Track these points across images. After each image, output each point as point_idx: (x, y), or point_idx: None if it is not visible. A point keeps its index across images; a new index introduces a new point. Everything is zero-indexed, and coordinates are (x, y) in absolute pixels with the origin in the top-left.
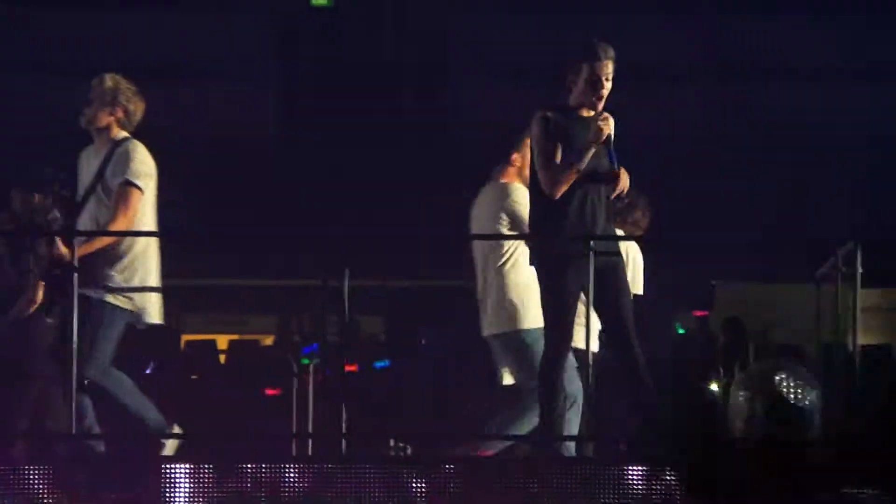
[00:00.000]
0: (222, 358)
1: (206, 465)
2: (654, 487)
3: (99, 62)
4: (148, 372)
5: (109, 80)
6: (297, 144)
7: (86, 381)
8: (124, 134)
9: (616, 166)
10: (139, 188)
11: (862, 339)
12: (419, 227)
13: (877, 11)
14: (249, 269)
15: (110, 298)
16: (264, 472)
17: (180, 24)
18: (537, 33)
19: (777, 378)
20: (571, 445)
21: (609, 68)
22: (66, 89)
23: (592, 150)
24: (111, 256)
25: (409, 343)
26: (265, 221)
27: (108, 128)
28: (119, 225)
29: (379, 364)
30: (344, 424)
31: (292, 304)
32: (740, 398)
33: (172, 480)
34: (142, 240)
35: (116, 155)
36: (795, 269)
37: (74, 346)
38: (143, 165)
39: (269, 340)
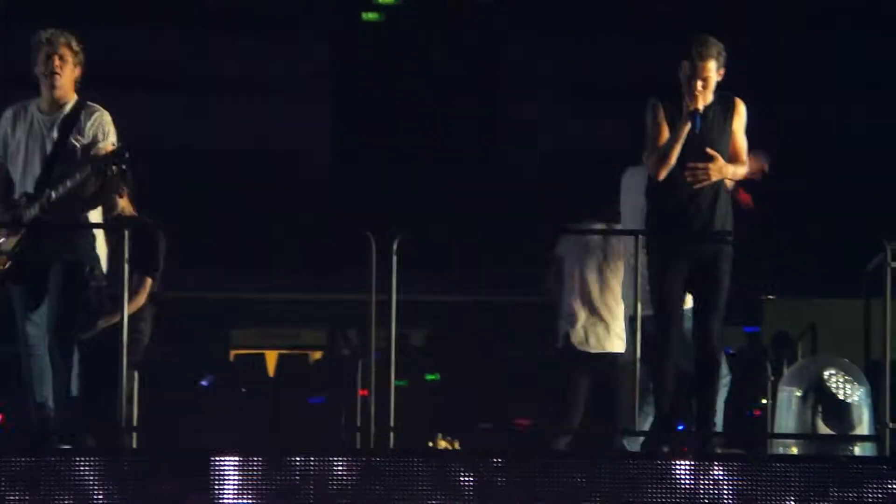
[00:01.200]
0: (271, 371)
1: (255, 458)
2: (701, 483)
3: (161, 77)
4: (205, 384)
5: (74, 38)
6: (354, 158)
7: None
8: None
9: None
10: None
11: None
12: (474, 242)
13: None
14: (299, 283)
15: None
16: (312, 465)
17: (240, 41)
18: (589, 49)
19: (826, 374)
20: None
21: (708, 70)
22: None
23: (686, 129)
24: (87, 221)
25: (459, 356)
26: (321, 234)
27: (68, 87)
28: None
29: (429, 377)
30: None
31: (341, 319)
32: (788, 394)
33: (221, 472)
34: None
35: (95, 118)
36: (846, 282)
37: (125, 329)
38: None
39: (317, 354)
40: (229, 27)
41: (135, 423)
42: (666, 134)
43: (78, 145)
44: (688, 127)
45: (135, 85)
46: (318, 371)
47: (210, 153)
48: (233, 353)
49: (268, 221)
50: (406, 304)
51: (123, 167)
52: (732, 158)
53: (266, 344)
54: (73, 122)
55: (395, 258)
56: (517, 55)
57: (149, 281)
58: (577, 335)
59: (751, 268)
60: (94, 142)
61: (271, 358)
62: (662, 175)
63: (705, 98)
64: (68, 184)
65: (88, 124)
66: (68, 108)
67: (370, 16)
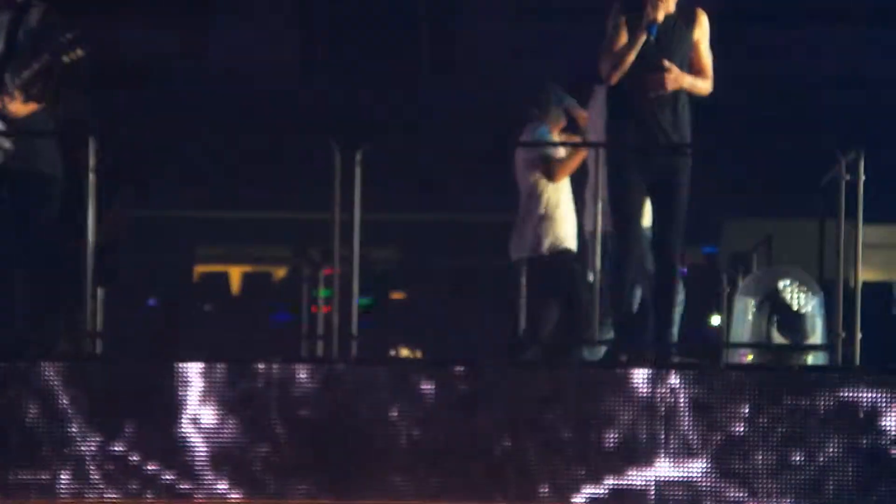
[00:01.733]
0: (235, 289)
1: (218, 364)
2: (658, 392)
3: None
4: (151, 304)
5: None
6: (320, 72)
7: None
8: None
9: (652, 38)
10: None
11: (864, 277)
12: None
13: None
14: (262, 201)
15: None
16: (275, 372)
17: None
18: None
19: (780, 284)
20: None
21: None
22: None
23: (642, 39)
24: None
25: (422, 274)
26: (286, 153)
27: None
28: None
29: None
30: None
31: (305, 237)
32: (743, 304)
33: (185, 378)
34: None
35: (43, 11)
36: (804, 204)
37: (90, 238)
38: None
39: (282, 272)
40: None
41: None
42: (623, 41)
43: (30, 39)
44: (644, 36)
45: None
46: (281, 289)
47: (172, 66)
48: (197, 270)
49: (233, 137)
50: (372, 220)
51: (81, 53)
52: (695, 71)
53: (231, 261)
54: (20, 19)
55: (358, 169)
56: None
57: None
58: (525, 242)
59: (710, 184)
60: (46, 34)
61: (235, 275)
62: (614, 80)
63: (666, 5)
64: (25, 74)
65: (37, 19)
66: (13, 5)
67: None
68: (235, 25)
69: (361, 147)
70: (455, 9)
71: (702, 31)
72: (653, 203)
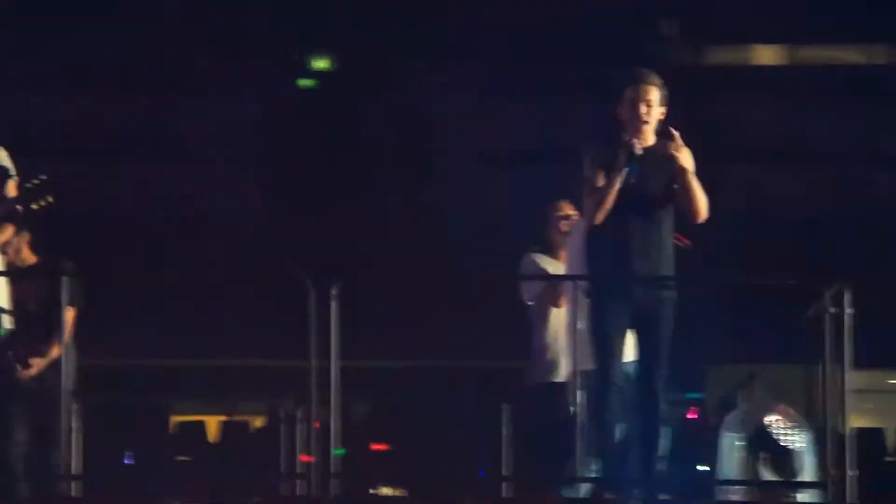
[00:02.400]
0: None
1: None
2: None
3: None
4: (126, 462)
5: None
6: (290, 222)
7: None
8: None
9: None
10: None
11: (853, 423)
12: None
13: None
14: (240, 348)
15: None
16: None
17: (179, 104)
18: (523, 116)
19: (767, 420)
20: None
21: (651, 94)
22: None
23: (621, 175)
24: None
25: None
26: (262, 294)
27: None
28: None
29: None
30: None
31: (282, 385)
32: (730, 441)
33: None
34: None
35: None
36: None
37: (64, 377)
38: None
39: (259, 422)
40: (169, 91)
41: (74, 469)
42: (601, 179)
43: None
44: (624, 172)
45: (77, 149)
46: (260, 438)
47: (145, 217)
48: (173, 420)
49: (207, 286)
50: (348, 369)
51: (50, 200)
52: (686, 199)
53: (207, 411)
54: None
55: (333, 305)
56: (448, 119)
57: (72, 312)
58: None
59: (695, 321)
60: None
61: (212, 425)
62: (598, 220)
63: (646, 134)
64: None
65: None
66: None
67: (306, 82)
68: (208, 173)
69: (335, 281)
70: (431, 155)
71: (685, 159)
72: (636, 337)
